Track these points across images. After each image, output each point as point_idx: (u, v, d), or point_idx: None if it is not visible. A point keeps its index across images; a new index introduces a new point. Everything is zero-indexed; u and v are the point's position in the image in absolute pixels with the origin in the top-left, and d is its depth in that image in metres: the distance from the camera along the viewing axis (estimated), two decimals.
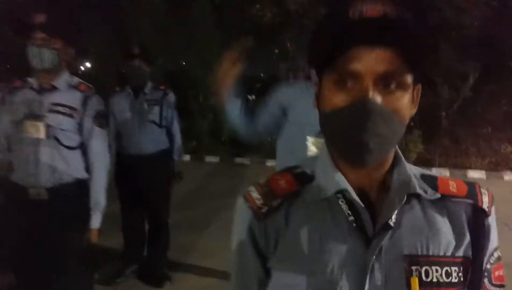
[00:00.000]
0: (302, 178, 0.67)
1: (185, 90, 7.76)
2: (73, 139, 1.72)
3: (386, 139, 0.57)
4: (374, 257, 0.59)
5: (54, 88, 1.73)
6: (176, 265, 3.16)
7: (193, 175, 5.76)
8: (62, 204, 1.67)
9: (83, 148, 1.75)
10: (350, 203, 0.61)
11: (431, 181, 0.65)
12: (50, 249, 1.67)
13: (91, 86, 1.78)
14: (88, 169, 1.77)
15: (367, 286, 0.58)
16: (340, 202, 0.62)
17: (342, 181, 0.62)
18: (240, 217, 0.69)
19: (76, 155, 1.73)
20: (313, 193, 0.65)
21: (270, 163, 7.31)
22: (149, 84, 2.74)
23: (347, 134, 0.56)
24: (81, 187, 1.75)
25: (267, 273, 0.66)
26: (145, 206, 2.91)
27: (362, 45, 0.54)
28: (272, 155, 8.20)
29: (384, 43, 0.54)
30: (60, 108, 1.68)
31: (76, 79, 1.78)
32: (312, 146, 1.51)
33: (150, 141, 2.75)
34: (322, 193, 0.63)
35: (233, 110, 1.66)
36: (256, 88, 8.32)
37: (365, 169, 0.60)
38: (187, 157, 7.17)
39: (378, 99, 0.54)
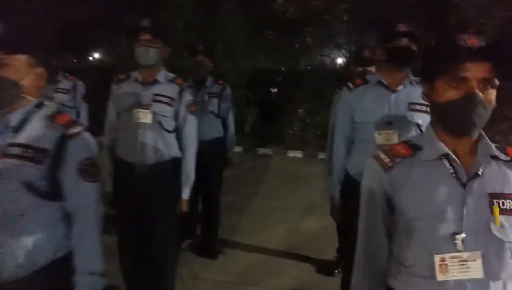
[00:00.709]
0: (414, 147, 1.01)
1: None
2: (171, 124, 2.07)
3: (483, 119, 0.91)
4: (468, 195, 0.93)
5: (156, 82, 2.08)
6: (224, 242, 3.53)
7: None
8: (161, 179, 2.03)
9: (178, 131, 2.10)
10: (450, 162, 0.95)
11: (503, 149, 0.99)
12: (150, 215, 2.03)
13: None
14: (181, 149, 2.12)
15: (465, 211, 0.92)
16: (444, 161, 0.96)
17: (445, 148, 0.96)
18: (370, 171, 1.02)
19: (173, 137, 2.09)
20: (424, 156, 0.98)
21: (291, 153, 7.65)
22: (210, 79, 3.08)
23: (460, 115, 0.90)
24: (176, 164, 2.11)
25: (391, 211, 1.00)
26: (201, 188, 3.25)
27: (468, 60, 0.88)
28: (292, 146, 8.50)
29: (481, 60, 0.88)
30: (162, 98, 2.03)
31: (171, 74, 2.13)
32: (379, 137, 1.83)
33: (208, 129, 3.06)
34: (431, 156, 0.97)
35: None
36: (277, 81, 8.64)
37: (468, 138, 0.93)
38: None
39: (480, 93, 0.88)
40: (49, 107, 1.21)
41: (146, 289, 2.15)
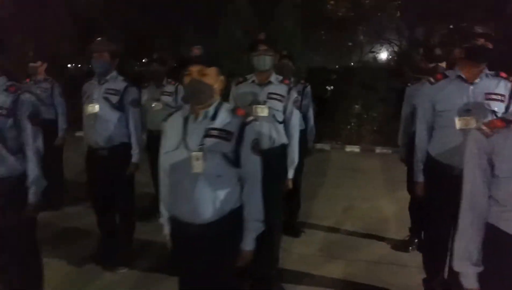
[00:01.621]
0: (508, 121, 1.39)
1: None
2: (281, 116, 2.55)
3: None
4: None
5: (269, 82, 2.58)
6: (303, 224, 3.98)
7: None
8: (274, 162, 2.50)
9: (285, 123, 2.58)
10: None
11: None
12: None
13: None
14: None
15: None
16: None
17: None
18: (474, 138, 1.42)
19: (282, 127, 2.57)
20: None
21: (348, 148, 7.94)
22: (292, 79, 3.55)
23: None
24: (284, 150, 2.59)
25: (491, 167, 1.39)
26: None
27: None
28: (349, 141, 8.71)
29: None
30: (275, 96, 2.52)
31: (280, 76, 2.62)
32: (459, 122, 2.19)
33: None
34: None
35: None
36: (332, 79, 8.96)
37: None
38: None
39: None
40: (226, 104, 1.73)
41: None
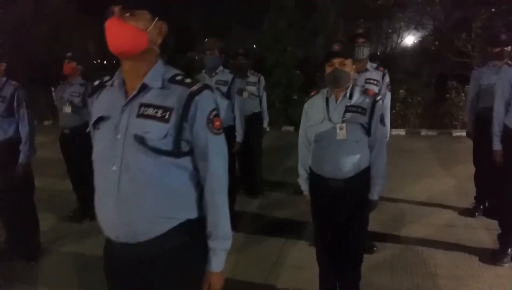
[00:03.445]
0: None
1: (313, 72, 9.06)
2: None
3: None
4: None
5: (366, 70, 3.05)
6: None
7: None
8: None
9: None
10: None
11: None
12: None
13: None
14: None
15: None
16: None
17: None
18: None
19: None
20: None
21: (394, 132, 8.01)
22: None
23: None
24: None
25: None
26: None
27: None
28: (395, 124, 8.90)
29: None
30: (372, 81, 3.00)
31: (374, 64, 3.08)
32: None
33: None
34: None
35: None
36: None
37: None
38: None
39: None
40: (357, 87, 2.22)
41: None
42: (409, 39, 10.84)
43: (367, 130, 2.13)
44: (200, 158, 1.23)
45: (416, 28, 10.52)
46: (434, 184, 4.87)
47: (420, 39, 10.36)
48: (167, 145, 1.16)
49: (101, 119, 1.22)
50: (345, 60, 2.10)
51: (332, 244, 2.27)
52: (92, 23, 9.12)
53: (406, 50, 9.81)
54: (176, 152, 1.18)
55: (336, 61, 2.09)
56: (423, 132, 8.09)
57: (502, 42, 3.41)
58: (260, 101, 4.40)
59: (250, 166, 4.43)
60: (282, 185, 4.84)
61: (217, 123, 1.23)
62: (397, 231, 3.56)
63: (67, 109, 3.63)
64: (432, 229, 3.59)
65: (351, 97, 2.14)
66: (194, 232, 1.26)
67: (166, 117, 1.15)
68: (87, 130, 1.31)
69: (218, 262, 1.28)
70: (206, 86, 1.22)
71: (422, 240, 3.38)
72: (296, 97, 8.85)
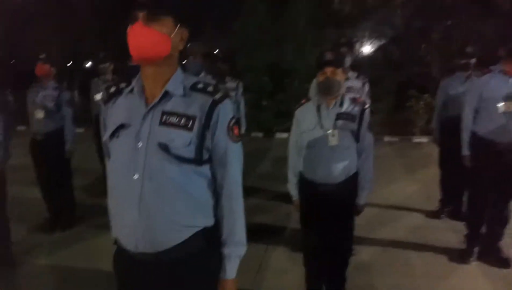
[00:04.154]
0: None
1: (282, 78, 9.21)
2: None
3: None
4: None
5: (347, 79, 3.16)
6: None
7: None
8: None
9: None
10: None
11: None
12: None
13: None
14: None
15: None
16: None
17: None
18: None
19: None
20: None
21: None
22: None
23: None
24: None
25: None
26: None
27: None
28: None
29: None
30: (353, 89, 3.12)
31: (355, 73, 3.21)
32: (502, 108, 2.82)
33: None
34: None
35: None
36: None
37: None
38: None
39: None
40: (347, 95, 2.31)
41: None
42: (371, 48, 11.31)
43: (356, 137, 2.21)
44: (219, 165, 1.24)
45: (377, 38, 10.99)
46: (401, 188, 5.11)
47: (381, 48, 10.82)
48: (189, 153, 1.16)
49: (121, 127, 1.19)
50: (336, 69, 2.18)
51: (320, 248, 2.34)
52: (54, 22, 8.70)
53: (368, 59, 10.21)
54: (197, 160, 1.18)
55: (328, 70, 2.16)
56: (386, 138, 8.46)
57: (468, 55, 3.67)
58: (238, 107, 4.42)
59: None
60: (257, 190, 4.88)
61: (236, 131, 1.25)
62: (371, 234, 3.71)
63: (40, 114, 3.43)
64: (403, 232, 3.77)
65: (341, 105, 2.23)
66: (210, 239, 1.26)
67: (190, 125, 1.15)
68: (103, 140, 1.26)
69: (232, 269, 1.29)
70: (227, 95, 1.24)
71: (395, 242, 3.55)
72: (265, 103, 8.96)
